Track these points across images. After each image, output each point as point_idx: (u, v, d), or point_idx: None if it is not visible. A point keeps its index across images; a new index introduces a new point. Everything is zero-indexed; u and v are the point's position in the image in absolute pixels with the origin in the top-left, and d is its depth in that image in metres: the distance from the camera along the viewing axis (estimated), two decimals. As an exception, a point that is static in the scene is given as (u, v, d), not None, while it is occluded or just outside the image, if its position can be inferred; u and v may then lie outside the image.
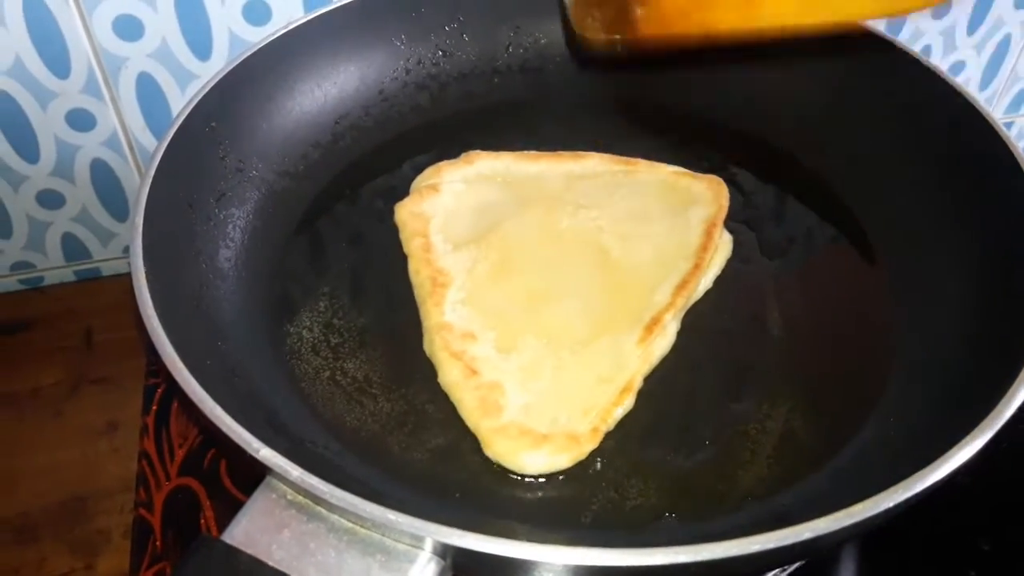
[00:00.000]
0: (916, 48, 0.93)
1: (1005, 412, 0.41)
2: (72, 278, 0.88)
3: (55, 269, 0.87)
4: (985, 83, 1.01)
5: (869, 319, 0.57)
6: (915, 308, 0.56)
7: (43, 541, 0.66)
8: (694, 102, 0.73)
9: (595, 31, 0.49)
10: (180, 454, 0.64)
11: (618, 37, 0.48)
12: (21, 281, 0.87)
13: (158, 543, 0.59)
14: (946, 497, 0.59)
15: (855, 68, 0.67)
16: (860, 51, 0.66)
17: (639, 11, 0.46)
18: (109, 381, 0.77)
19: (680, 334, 0.57)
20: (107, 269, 0.89)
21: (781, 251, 0.63)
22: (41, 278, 0.88)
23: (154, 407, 0.69)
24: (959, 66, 0.98)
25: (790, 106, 0.70)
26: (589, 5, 0.49)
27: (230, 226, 0.59)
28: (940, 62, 0.97)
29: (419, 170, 0.67)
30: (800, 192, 0.67)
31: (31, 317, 0.83)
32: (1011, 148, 0.55)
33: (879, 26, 0.89)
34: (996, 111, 1.06)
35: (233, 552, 0.37)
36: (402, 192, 0.66)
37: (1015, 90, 1.04)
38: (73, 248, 0.86)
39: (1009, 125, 1.08)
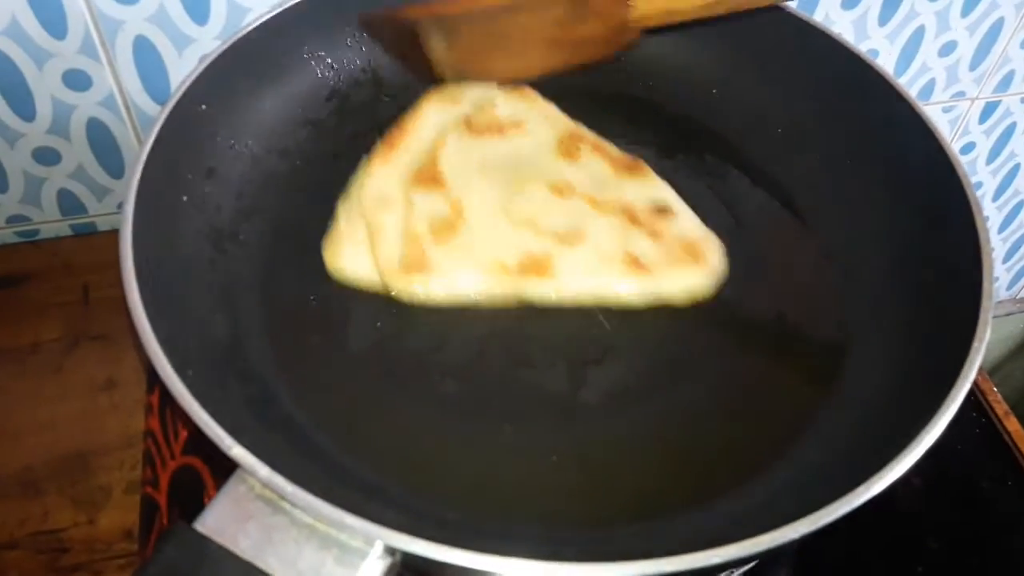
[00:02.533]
0: (909, 27, 0.95)
1: (936, 429, 0.44)
2: (68, 232, 0.90)
3: (51, 223, 0.89)
4: (975, 64, 1.03)
5: (815, 318, 0.59)
6: (858, 306, 0.58)
7: (46, 495, 0.69)
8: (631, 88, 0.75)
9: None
10: (184, 433, 0.67)
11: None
12: (17, 233, 0.88)
13: (164, 520, 0.62)
14: (897, 497, 0.64)
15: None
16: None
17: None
18: (107, 338, 0.79)
19: (616, 334, 0.59)
20: (103, 224, 0.90)
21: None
22: (37, 231, 0.89)
23: (158, 386, 0.71)
24: (951, 46, 0.99)
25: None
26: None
27: (219, 204, 0.60)
28: (932, 43, 0.98)
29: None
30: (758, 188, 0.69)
31: (28, 271, 0.84)
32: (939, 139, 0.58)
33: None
34: (984, 91, 1.07)
35: (203, 540, 0.40)
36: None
37: (1005, 71, 1.05)
38: (69, 203, 0.87)
39: (995, 105, 1.10)
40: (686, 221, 0.63)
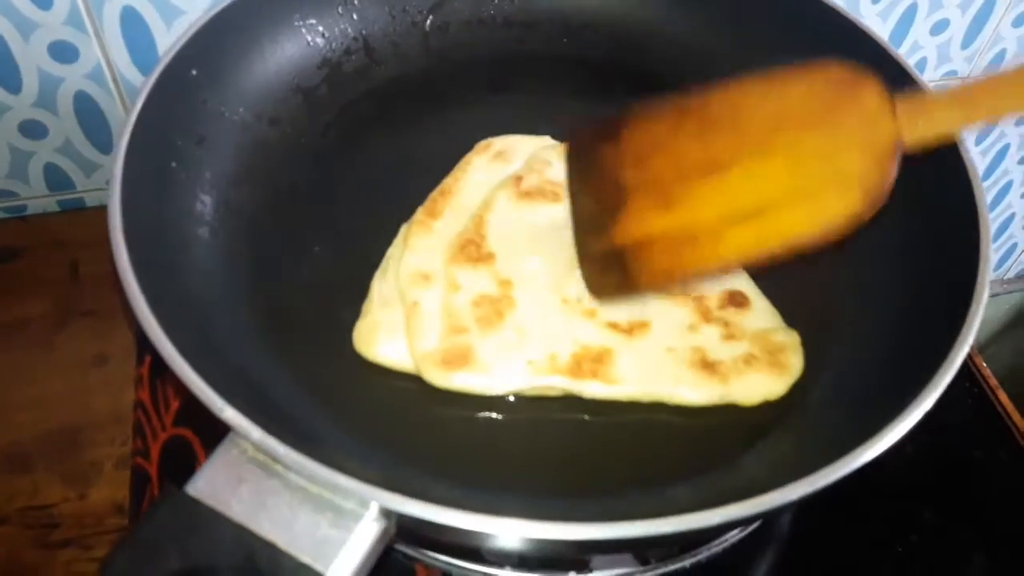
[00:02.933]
0: (902, 5, 0.95)
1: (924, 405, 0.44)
2: (56, 208, 0.89)
3: (39, 198, 0.88)
4: (967, 42, 1.03)
5: (811, 289, 0.59)
6: (854, 285, 0.58)
7: (36, 471, 0.68)
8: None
9: (611, 294, 0.54)
10: (175, 404, 0.66)
11: (628, 295, 0.54)
12: (4, 209, 0.87)
13: (155, 491, 0.62)
14: (891, 466, 0.64)
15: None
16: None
17: (637, 275, 0.51)
18: (97, 314, 0.78)
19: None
20: (91, 200, 0.89)
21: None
22: (24, 207, 0.88)
23: (148, 358, 0.70)
24: (943, 24, 0.99)
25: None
26: (599, 274, 0.54)
27: (208, 172, 0.59)
28: (925, 21, 0.98)
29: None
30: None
31: (16, 247, 0.83)
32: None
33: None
34: (976, 69, 1.07)
35: (195, 504, 0.39)
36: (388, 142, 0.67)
37: (996, 49, 1.05)
38: (56, 178, 0.86)
39: (987, 83, 1.10)
40: (762, 313, 0.57)
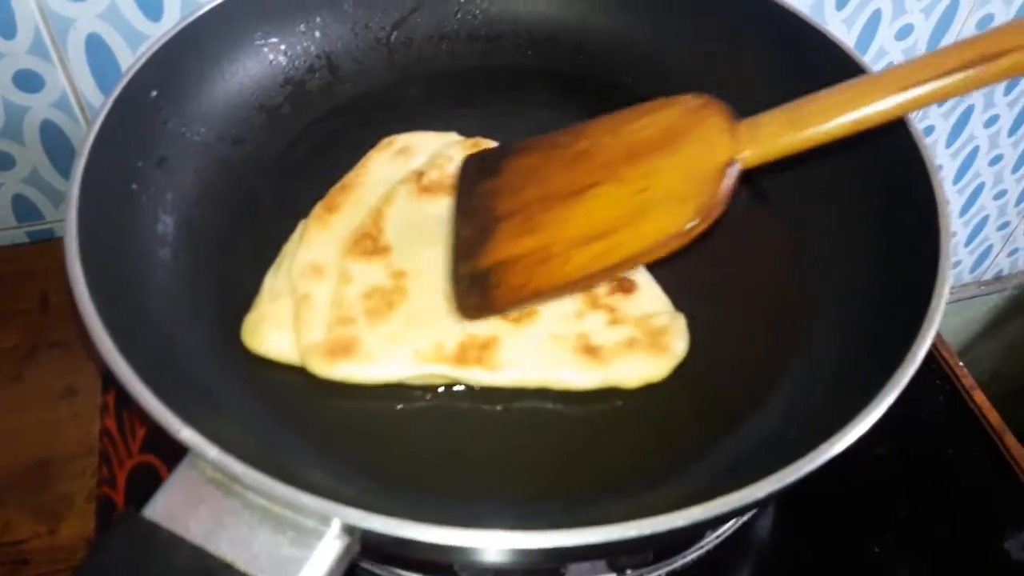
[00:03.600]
0: (866, 11, 0.96)
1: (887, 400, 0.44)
2: (24, 239, 0.88)
3: (7, 230, 0.87)
4: (932, 46, 1.04)
5: (777, 289, 0.59)
6: (819, 281, 0.58)
7: (6, 506, 0.67)
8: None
9: (474, 313, 0.55)
10: (141, 432, 0.65)
11: (489, 314, 0.55)
12: (-28, 242, 0.87)
13: (121, 519, 0.61)
14: (867, 467, 0.64)
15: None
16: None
17: (494, 292, 0.54)
18: (66, 345, 0.78)
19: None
20: (60, 230, 0.88)
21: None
22: (-8, 239, 0.87)
23: (113, 386, 0.69)
24: (907, 29, 1.00)
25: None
26: (464, 295, 0.55)
27: (170, 193, 0.59)
28: (889, 26, 0.99)
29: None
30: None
31: (-16, 278, 0.83)
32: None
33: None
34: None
35: (152, 527, 0.39)
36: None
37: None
38: (25, 209, 0.86)
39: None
40: (649, 298, 0.58)
